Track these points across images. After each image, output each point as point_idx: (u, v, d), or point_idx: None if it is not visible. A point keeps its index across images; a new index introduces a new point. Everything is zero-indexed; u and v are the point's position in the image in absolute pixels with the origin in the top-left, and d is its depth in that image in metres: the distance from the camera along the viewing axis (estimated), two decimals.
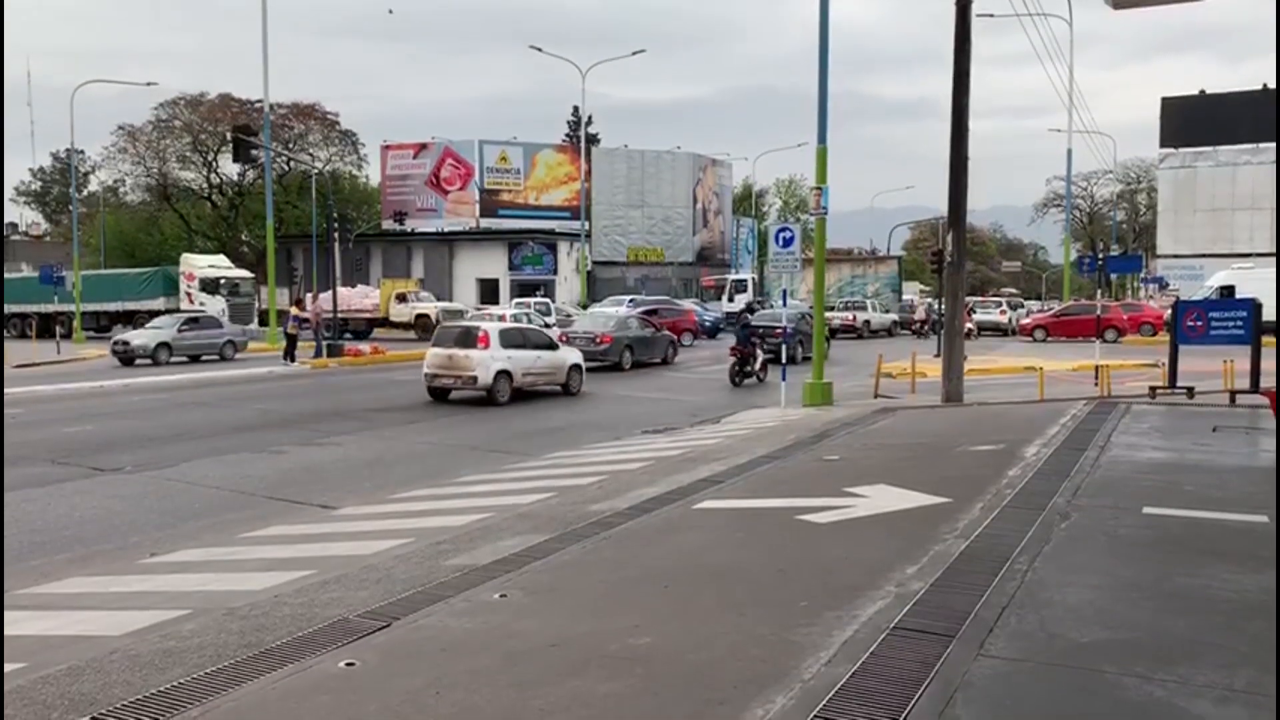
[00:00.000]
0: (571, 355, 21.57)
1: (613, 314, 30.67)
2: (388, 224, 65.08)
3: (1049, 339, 39.75)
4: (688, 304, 44.56)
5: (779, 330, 22.93)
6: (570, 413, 18.03)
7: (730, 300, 52.28)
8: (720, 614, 5.79)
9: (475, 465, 12.40)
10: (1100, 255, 44.47)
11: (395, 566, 7.30)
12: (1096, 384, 18.47)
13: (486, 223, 63.94)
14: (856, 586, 6.18)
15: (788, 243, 18.52)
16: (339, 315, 43.73)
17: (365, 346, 32.94)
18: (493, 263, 61.55)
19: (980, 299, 59.81)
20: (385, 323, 44.27)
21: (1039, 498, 8.56)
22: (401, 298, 44.61)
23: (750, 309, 30.16)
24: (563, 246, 62.28)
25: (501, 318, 31.12)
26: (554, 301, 49.87)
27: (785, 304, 21.34)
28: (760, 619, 5.64)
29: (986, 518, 7.92)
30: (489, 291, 58.94)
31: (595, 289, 58.51)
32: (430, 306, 44.44)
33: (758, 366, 22.66)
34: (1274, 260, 42.81)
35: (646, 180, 65.91)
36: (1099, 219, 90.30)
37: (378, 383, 24.05)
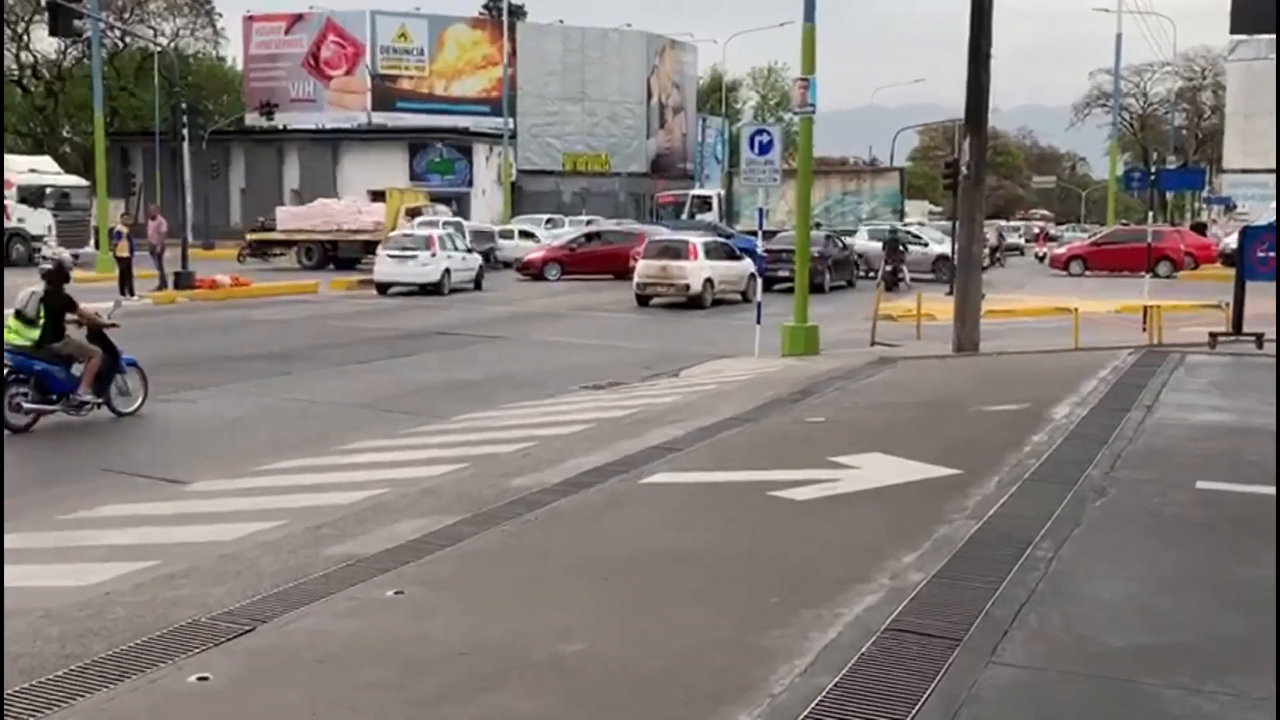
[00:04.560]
0: (749, 266, 27.51)
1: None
2: (252, 118, 63.92)
3: (1087, 273, 40.26)
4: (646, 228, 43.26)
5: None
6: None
7: (691, 219, 51.78)
8: (673, 613, 5.85)
9: (368, 428, 12.34)
10: (1153, 169, 44.95)
11: (262, 556, 7.29)
12: (1145, 329, 18.78)
13: (380, 118, 63.20)
14: (841, 578, 6.27)
15: (765, 149, 18.47)
16: (323, 237, 41.80)
17: (224, 277, 32.44)
18: (389, 170, 60.64)
19: (1053, 225, 60.29)
20: None
21: (1069, 469, 8.72)
22: (414, 213, 42.00)
23: (895, 232, 38.30)
24: (480, 150, 61.69)
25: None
26: (468, 220, 49.15)
27: (761, 225, 21.49)
28: (722, 619, 5.71)
29: (1004, 494, 8.06)
30: None
31: (521, 204, 58.03)
32: None
33: (905, 276, 32.30)
34: None
35: (588, 66, 65.31)
36: (1153, 123, 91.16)
37: (240, 322, 23.77)
